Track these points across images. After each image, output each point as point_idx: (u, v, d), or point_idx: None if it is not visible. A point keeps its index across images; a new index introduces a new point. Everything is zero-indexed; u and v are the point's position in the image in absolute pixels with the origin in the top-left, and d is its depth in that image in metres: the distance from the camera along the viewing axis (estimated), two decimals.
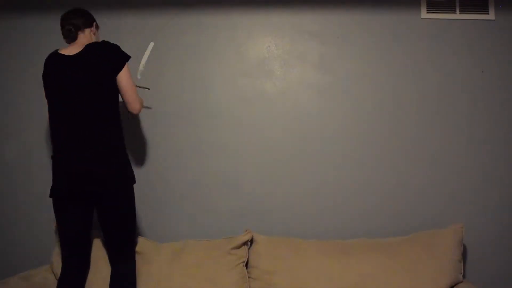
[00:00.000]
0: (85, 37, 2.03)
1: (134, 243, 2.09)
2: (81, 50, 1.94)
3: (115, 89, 1.96)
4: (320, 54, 2.48)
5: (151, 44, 2.49)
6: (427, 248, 2.14)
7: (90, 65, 1.91)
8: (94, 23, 2.10)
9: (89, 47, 1.95)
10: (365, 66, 2.46)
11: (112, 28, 2.51)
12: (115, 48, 1.98)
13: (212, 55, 2.49)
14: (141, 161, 2.47)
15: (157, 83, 2.49)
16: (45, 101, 2.53)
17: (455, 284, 2.12)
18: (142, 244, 2.23)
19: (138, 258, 2.14)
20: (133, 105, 1.99)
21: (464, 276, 2.24)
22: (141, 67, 2.47)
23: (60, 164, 1.90)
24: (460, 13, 2.45)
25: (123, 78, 1.95)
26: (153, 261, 2.16)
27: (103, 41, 1.99)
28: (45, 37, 2.52)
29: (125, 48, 2.48)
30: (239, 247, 2.20)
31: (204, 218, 2.44)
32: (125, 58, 1.97)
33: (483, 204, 2.40)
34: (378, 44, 2.46)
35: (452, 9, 2.45)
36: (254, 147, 2.46)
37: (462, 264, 2.18)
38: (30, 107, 2.52)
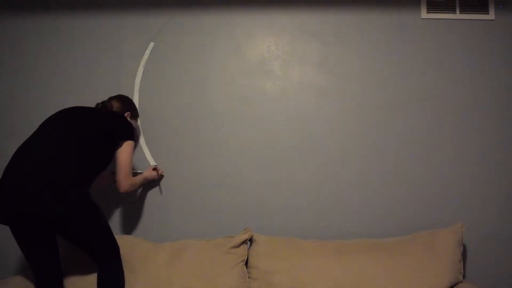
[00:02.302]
0: None
1: (113, 246, 1.97)
2: (98, 107, 2.11)
3: (110, 153, 1.98)
4: (320, 54, 2.48)
5: (151, 44, 2.49)
6: (427, 248, 2.14)
7: (102, 118, 1.99)
8: (129, 113, 2.20)
9: (108, 113, 2.05)
10: (365, 66, 2.46)
11: (112, 28, 2.51)
12: (129, 125, 2.06)
13: (212, 55, 2.49)
14: (141, 161, 2.47)
15: (157, 83, 2.49)
16: (45, 101, 2.54)
17: (455, 284, 2.12)
18: (140, 245, 2.23)
19: (136, 259, 2.14)
20: (121, 183, 1.98)
21: (464, 276, 2.24)
22: (140, 67, 2.47)
23: (11, 175, 1.74)
24: (460, 13, 2.45)
25: (122, 153, 1.99)
26: (151, 262, 2.15)
27: (122, 115, 2.11)
28: (45, 37, 2.53)
29: (125, 48, 2.50)
30: (238, 246, 2.20)
31: (204, 218, 2.44)
32: (131, 137, 2.03)
33: (483, 204, 2.40)
34: (378, 44, 2.46)
35: (452, 9, 2.46)
36: (254, 147, 2.46)
37: (462, 264, 2.17)
38: (30, 107, 2.52)
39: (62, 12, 2.53)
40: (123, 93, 2.44)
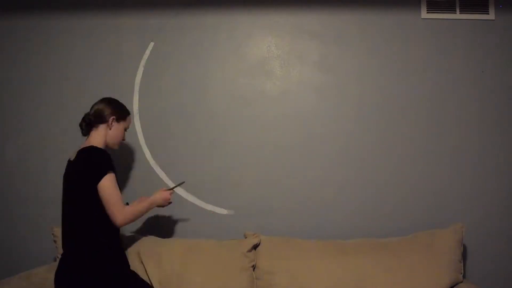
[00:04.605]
0: (97, 135, 1.98)
1: None
2: (74, 158, 1.91)
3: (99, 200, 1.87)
4: (320, 54, 2.48)
5: (151, 44, 2.49)
6: (427, 248, 2.14)
7: (76, 175, 1.88)
8: (112, 118, 1.99)
9: (79, 155, 1.90)
10: (365, 66, 2.46)
11: (112, 28, 2.51)
12: (96, 161, 1.87)
13: (212, 55, 2.49)
14: (141, 160, 2.47)
15: (157, 83, 2.49)
16: (45, 101, 2.55)
17: (455, 284, 2.12)
18: (152, 243, 2.20)
19: (149, 258, 2.13)
20: (113, 218, 1.85)
21: (464, 276, 2.24)
22: (140, 67, 2.47)
23: None
24: (460, 13, 2.45)
25: (101, 190, 1.84)
26: (165, 261, 2.13)
27: (91, 150, 1.90)
28: (45, 37, 2.53)
29: (125, 48, 2.50)
30: (251, 250, 2.18)
31: (204, 218, 2.44)
32: (102, 173, 1.84)
33: (483, 204, 2.40)
34: (378, 44, 2.46)
35: (452, 9, 2.46)
36: (254, 147, 2.46)
37: (462, 264, 2.18)
38: (30, 107, 2.52)
39: (62, 12, 2.53)
40: (123, 93, 2.44)
